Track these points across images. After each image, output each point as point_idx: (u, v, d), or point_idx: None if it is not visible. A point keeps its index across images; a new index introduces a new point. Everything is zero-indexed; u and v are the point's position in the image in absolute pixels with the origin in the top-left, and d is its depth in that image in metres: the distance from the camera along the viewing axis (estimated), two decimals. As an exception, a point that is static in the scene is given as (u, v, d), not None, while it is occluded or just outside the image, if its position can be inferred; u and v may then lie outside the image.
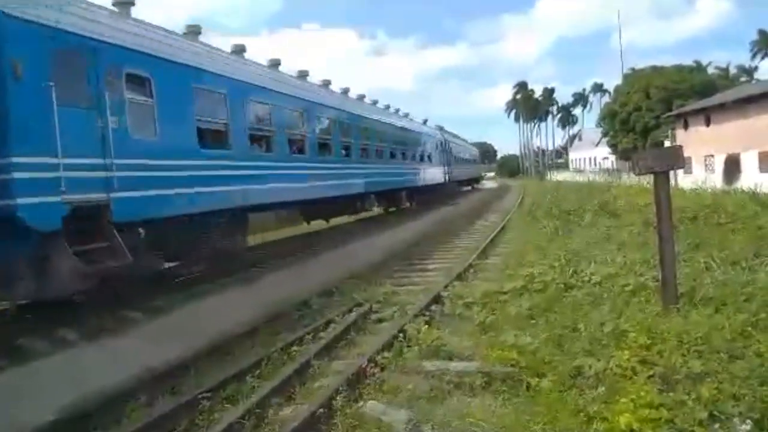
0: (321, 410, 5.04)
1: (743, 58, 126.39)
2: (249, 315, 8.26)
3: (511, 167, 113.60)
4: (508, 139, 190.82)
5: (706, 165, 36.97)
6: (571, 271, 9.43)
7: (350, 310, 8.72)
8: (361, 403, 5.40)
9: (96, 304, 8.86)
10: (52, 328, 8.17)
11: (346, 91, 22.64)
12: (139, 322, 8.61)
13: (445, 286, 9.72)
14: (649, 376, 5.04)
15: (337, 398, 5.25)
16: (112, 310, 8.90)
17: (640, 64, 66.48)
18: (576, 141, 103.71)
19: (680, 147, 7.56)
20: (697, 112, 39.45)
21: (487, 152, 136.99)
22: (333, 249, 15.27)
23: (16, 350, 7.48)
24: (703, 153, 36.84)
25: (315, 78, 20.16)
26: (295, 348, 7.07)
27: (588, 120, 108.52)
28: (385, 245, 15.37)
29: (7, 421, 5.09)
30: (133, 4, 10.96)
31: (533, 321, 7.23)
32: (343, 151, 19.23)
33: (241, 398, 5.68)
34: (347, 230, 19.53)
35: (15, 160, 7.50)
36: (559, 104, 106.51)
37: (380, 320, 8.44)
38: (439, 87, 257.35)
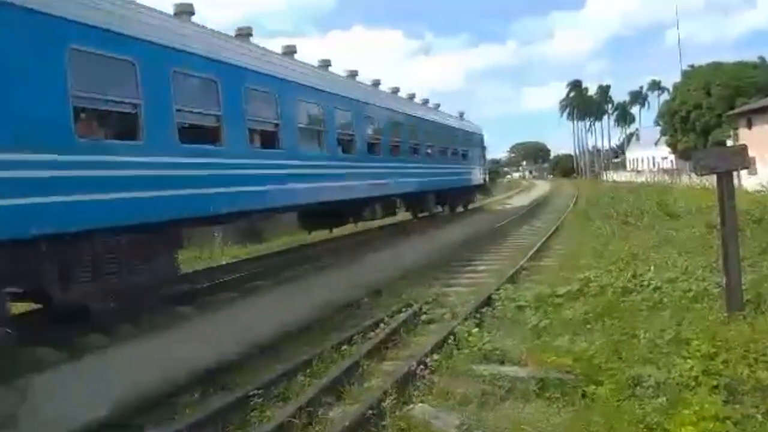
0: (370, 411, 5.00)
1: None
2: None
3: (565, 167, 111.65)
4: (562, 138, 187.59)
5: (772, 165, 35.46)
6: (629, 275, 9.12)
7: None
8: (410, 405, 5.34)
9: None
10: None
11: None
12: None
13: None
14: (714, 387, 4.82)
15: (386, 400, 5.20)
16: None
17: (699, 61, 64.31)
18: (633, 140, 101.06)
19: (744, 146, 7.23)
20: (761, 110, 37.91)
21: (539, 152, 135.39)
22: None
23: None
24: (770, 153, 35.37)
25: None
26: (345, 347, 7.09)
27: (646, 118, 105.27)
28: None
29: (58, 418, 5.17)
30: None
31: (589, 326, 7.01)
32: None
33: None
34: None
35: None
36: (615, 102, 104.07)
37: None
38: (488, 86, 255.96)
